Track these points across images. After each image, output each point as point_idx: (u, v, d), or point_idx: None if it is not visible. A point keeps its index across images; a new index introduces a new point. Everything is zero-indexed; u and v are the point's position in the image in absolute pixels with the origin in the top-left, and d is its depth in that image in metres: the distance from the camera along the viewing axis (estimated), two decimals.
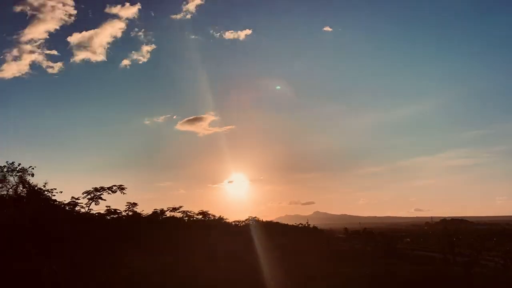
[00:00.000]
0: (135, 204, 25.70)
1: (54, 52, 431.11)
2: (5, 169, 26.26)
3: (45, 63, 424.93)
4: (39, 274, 22.95)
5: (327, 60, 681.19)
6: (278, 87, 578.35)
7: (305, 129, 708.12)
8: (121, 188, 22.70)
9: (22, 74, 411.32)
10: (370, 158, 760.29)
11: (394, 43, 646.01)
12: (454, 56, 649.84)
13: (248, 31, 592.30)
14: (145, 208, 28.82)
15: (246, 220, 66.16)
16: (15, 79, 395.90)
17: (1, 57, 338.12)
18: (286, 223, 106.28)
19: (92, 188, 22.19)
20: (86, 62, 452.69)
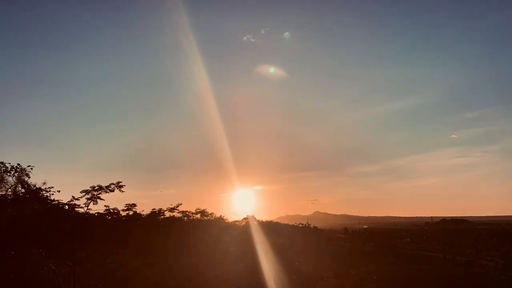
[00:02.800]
0: (134, 205, 25.62)
1: None
2: (2, 169, 26.22)
3: None
4: (39, 274, 22.94)
5: (318, 56, 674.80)
6: (272, 70, 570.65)
7: (299, 126, 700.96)
8: (119, 186, 22.46)
9: None
10: (363, 156, 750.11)
11: (386, 37, 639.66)
12: (447, 51, 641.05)
13: None
14: (145, 209, 28.72)
15: (245, 220, 66.09)
16: None
17: None
18: (286, 223, 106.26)
19: (90, 187, 22.08)
20: None
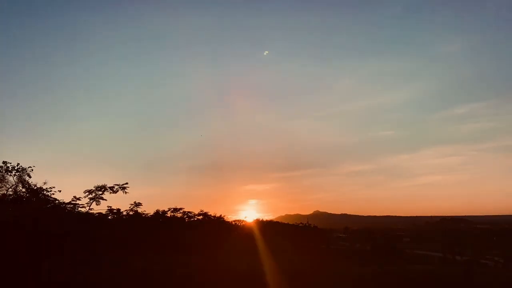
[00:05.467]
0: (139, 204, 25.67)
1: None
2: (3, 169, 26.20)
3: None
4: (40, 274, 22.97)
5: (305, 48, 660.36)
6: (266, 52, 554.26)
7: (290, 121, 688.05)
8: (123, 187, 22.62)
9: None
10: (355, 154, 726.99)
11: (373, 26, 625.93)
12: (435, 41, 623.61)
13: None
14: (147, 208, 28.84)
15: (246, 219, 66.27)
16: None
17: None
18: (286, 222, 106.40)
19: (94, 187, 22.17)
20: None
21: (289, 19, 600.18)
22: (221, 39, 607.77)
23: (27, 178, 27.05)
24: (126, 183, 22.64)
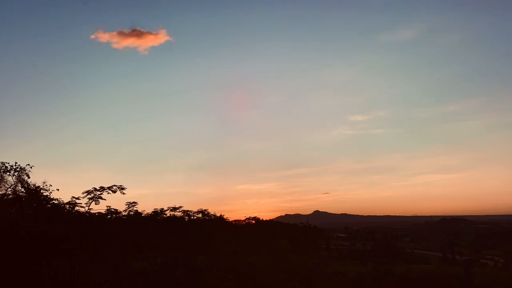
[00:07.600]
0: (134, 203, 25.74)
1: None
2: (2, 169, 26.07)
3: None
4: (39, 274, 22.93)
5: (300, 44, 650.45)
6: None
7: (290, 120, 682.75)
8: (121, 188, 22.79)
9: None
10: (351, 153, 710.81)
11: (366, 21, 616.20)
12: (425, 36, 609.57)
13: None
14: (146, 208, 28.91)
15: (246, 219, 66.28)
16: None
17: None
18: (286, 222, 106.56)
19: (92, 188, 22.24)
20: None
21: (285, 15, 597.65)
22: (218, 37, 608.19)
23: (26, 178, 26.97)
24: (121, 185, 22.88)
